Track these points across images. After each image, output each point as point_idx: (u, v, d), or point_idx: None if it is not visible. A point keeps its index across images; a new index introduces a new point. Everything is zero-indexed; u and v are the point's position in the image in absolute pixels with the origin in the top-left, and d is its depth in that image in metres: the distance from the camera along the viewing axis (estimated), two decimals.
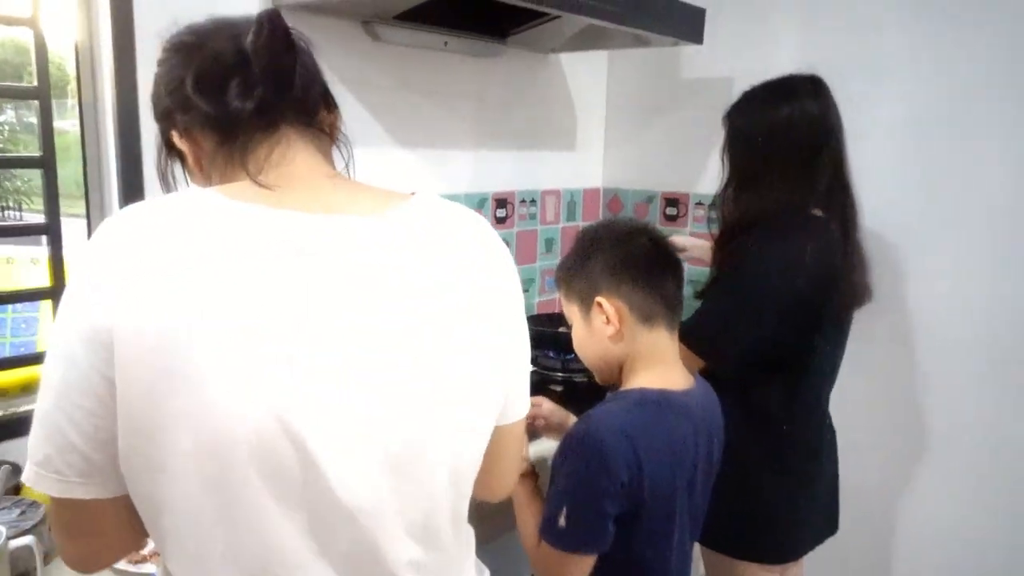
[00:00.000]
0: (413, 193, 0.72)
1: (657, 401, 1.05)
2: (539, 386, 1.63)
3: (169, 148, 0.77)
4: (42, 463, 0.61)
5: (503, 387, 0.74)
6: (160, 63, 0.74)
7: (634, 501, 1.00)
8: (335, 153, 0.78)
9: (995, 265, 1.68)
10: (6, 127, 2.15)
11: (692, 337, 1.32)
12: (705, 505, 1.17)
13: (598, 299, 1.07)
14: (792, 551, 1.49)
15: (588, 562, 1.03)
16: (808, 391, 1.44)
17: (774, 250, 1.34)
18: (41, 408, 0.61)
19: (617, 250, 1.08)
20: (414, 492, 0.66)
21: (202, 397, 0.57)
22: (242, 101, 0.68)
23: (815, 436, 1.49)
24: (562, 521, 1.00)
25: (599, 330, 1.08)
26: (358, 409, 0.62)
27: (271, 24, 0.67)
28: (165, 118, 0.75)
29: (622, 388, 1.10)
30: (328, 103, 0.78)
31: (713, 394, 1.17)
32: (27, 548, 0.99)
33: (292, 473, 0.60)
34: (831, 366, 1.48)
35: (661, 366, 1.09)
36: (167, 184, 0.80)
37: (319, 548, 0.63)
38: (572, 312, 1.14)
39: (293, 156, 0.71)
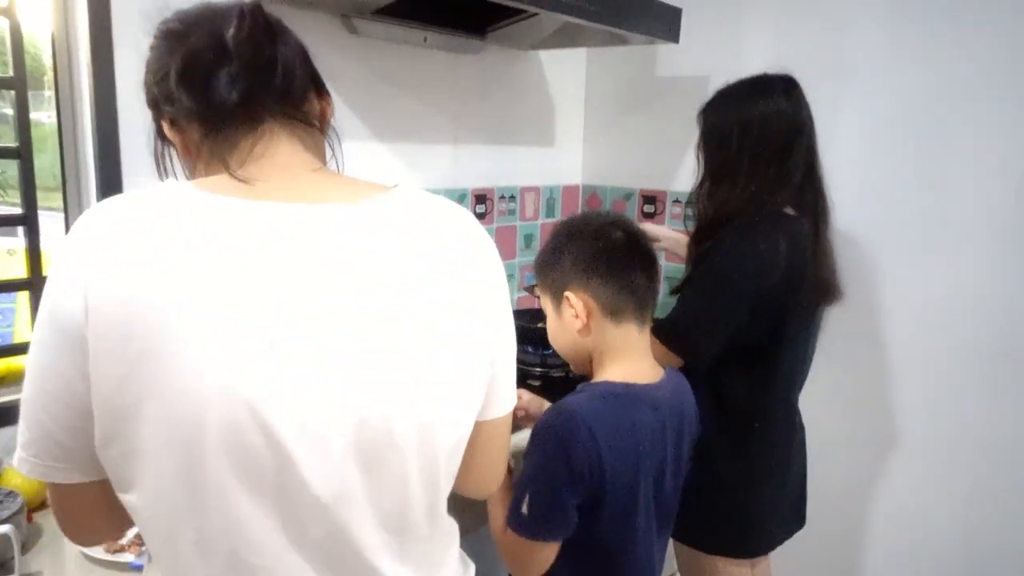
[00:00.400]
0: (396, 185, 0.73)
1: (622, 393, 1.07)
2: (518, 381, 1.64)
3: (161, 135, 0.77)
4: (24, 446, 0.64)
5: (486, 381, 0.74)
6: (151, 48, 0.74)
7: (595, 490, 1.01)
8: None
9: (978, 267, 1.70)
10: None
11: (666, 335, 1.34)
12: (677, 497, 1.19)
13: (566, 293, 1.09)
14: (762, 546, 1.51)
15: (552, 548, 1.05)
16: (779, 387, 1.46)
17: (747, 248, 1.35)
18: (24, 396, 0.64)
19: (588, 245, 1.09)
20: (385, 482, 0.66)
21: (175, 387, 0.57)
22: (224, 96, 0.68)
23: (785, 432, 1.51)
24: (524, 509, 1.02)
25: (569, 323, 1.10)
26: (329, 393, 0.62)
27: (252, 18, 0.68)
28: (154, 106, 0.75)
29: (592, 380, 1.12)
30: (318, 88, 0.77)
31: (685, 387, 1.18)
32: (5, 537, 0.99)
33: (264, 463, 0.60)
34: (801, 363, 1.50)
35: (629, 360, 1.11)
36: (163, 168, 0.79)
37: (293, 537, 0.64)
38: (546, 303, 1.16)
39: (276, 150, 0.71)
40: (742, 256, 1.35)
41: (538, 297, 1.19)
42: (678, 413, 1.13)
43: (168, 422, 0.58)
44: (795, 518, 1.58)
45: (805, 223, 1.41)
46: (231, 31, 0.67)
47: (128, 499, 0.63)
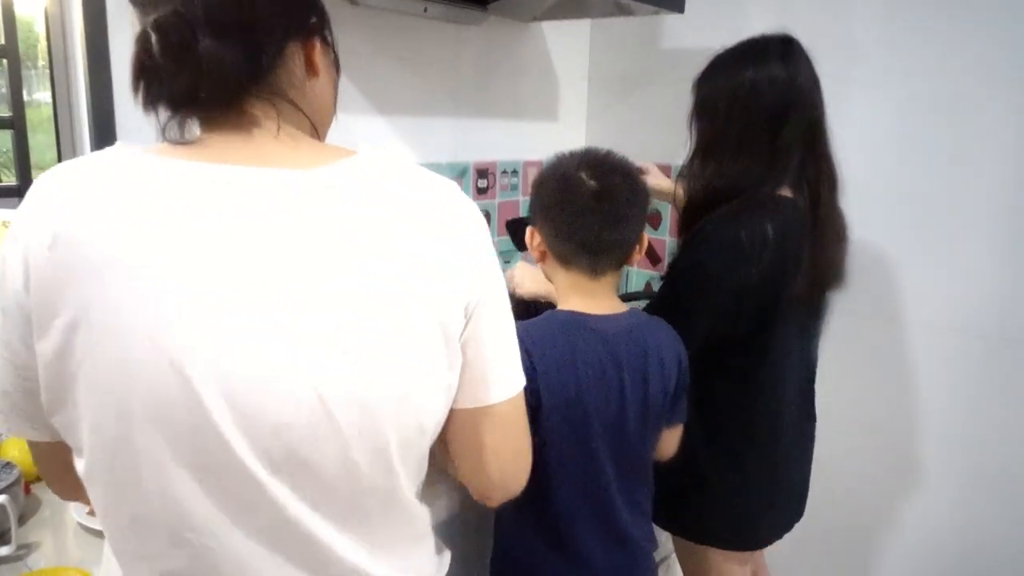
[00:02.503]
0: (355, 152, 0.68)
1: (564, 320, 1.11)
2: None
3: None
4: None
5: (455, 368, 0.70)
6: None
7: (533, 401, 1.02)
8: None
9: (989, 254, 1.66)
10: None
11: None
12: (647, 437, 1.15)
13: (530, 228, 1.17)
14: (756, 544, 1.45)
15: None
16: (770, 381, 1.35)
17: (728, 238, 1.25)
18: None
19: (555, 193, 1.12)
20: (327, 465, 0.63)
21: (105, 356, 0.58)
22: (169, 98, 0.64)
23: (783, 434, 1.39)
24: None
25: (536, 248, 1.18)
26: (260, 370, 0.59)
27: (162, 32, 0.61)
28: None
29: None
30: (306, 35, 0.70)
31: (658, 326, 1.16)
32: (1, 508, 0.99)
33: (194, 439, 0.59)
34: (800, 353, 1.40)
35: (579, 297, 1.14)
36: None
37: (235, 516, 0.63)
38: None
39: (229, 132, 0.67)
40: (721, 247, 1.25)
41: None
42: (639, 349, 1.11)
43: (98, 391, 0.59)
44: (795, 512, 1.50)
45: (801, 205, 1.29)
46: (154, 45, 0.61)
47: (78, 466, 0.64)
